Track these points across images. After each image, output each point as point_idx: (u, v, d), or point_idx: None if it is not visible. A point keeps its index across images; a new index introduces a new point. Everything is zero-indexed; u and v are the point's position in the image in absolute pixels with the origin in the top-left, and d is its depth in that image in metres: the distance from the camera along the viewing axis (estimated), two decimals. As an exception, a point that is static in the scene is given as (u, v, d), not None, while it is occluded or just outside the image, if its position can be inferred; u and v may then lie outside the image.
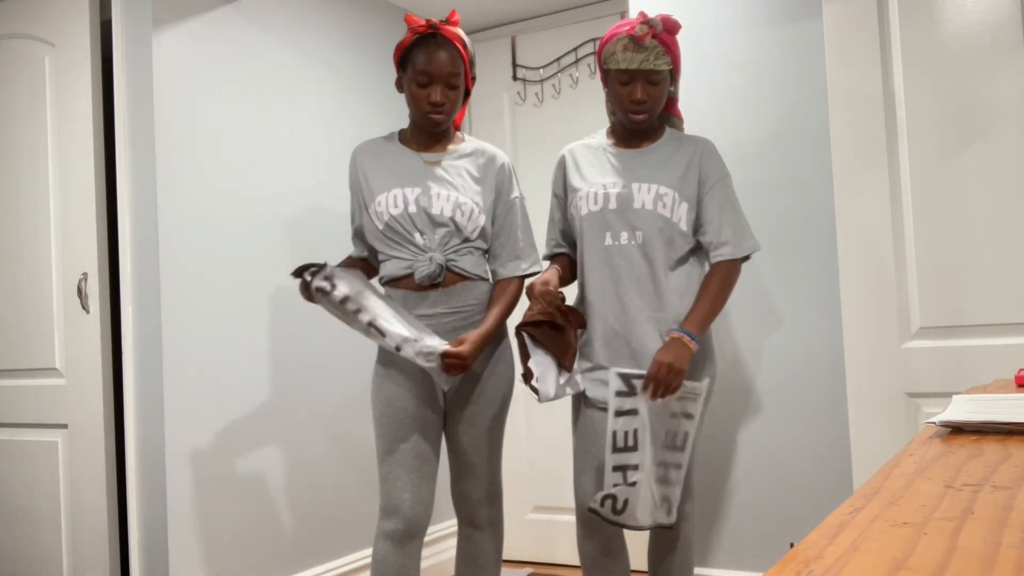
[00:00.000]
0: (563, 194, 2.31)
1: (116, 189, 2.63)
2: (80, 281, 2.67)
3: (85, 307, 2.67)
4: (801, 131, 2.77)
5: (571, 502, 3.51)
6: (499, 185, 2.23)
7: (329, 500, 3.01)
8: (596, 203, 2.18)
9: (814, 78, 2.75)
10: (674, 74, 2.20)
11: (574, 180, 2.25)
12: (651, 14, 3.00)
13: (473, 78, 2.24)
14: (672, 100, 2.29)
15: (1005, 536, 0.70)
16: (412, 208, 2.13)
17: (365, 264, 2.36)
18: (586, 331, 2.22)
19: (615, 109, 2.20)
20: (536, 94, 3.64)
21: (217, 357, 2.66)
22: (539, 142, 3.63)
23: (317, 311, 2.96)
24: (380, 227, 2.16)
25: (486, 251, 2.25)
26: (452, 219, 2.13)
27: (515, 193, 2.26)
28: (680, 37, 2.96)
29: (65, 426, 2.71)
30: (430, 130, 2.21)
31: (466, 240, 2.17)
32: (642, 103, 2.13)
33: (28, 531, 2.79)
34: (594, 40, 3.49)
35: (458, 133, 2.30)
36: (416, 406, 2.14)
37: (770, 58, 2.82)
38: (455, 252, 2.15)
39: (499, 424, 2.26)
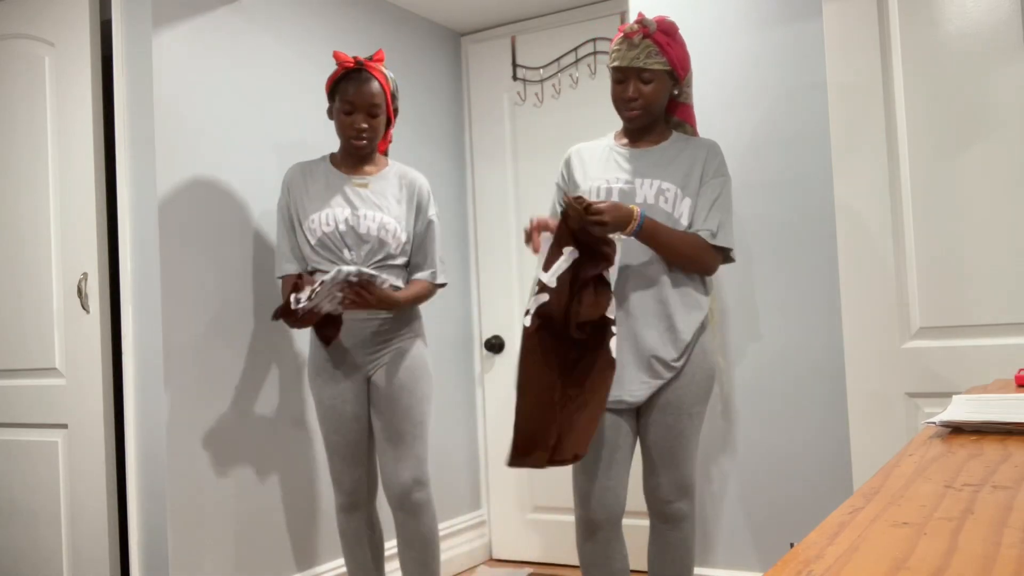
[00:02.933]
0: (566, 188, 2.34)
1: (116, 189, 2.63)
2: (80, 281, 2.67)
3: (85, 307, 2.67)
4: (801, 131, 2.77)
5: (571, 502, 3.51)
6: (419, 206, 2.52)
7: (329, 500, 3.01)
8: (598, 198, 2.19)
9: (814, 78, 2.75)
10: (677, 77, 2.21)
11: (578, 176, 2.28)
12: (651, 15, 3.01)
13: (395, 110, 2.52)
14: (684, 106, 2.30)
15: (1005, 536, 0.70)
16: (342, 227, 2.41)
17: (301, 279, 2.53)
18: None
19: (615, 108, 2.24)
20: (536, 94, 3.63)
21: (217, 357, 2.66)
22: (539, 142, 3.62)
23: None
24: (312, 242, 2.43)
25: (405, 265, 2.50)
26: (378, 237, 2.41)
27: (432, 212, 2.54)
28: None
29: (65, 426, 2.71)
30: (356, 154, 2.49)
31: (388, 256, 2.43)
32: (633, 100, 2.17)
33: (28, 531, 2.79)
34: (594, 40, 3.49)
35: (383, 157, 2.58)
36: (343, 404, 2.44)
37: (770, 58, 2.82)
38: (377, 267, 2.42)
39: (422, 417, 2.48)
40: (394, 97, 2.50)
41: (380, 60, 2.46)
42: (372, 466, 2.53)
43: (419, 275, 2.52)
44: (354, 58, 2.42)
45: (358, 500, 2.49)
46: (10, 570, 2.83)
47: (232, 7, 2.79)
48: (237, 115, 2.78)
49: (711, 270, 2.20)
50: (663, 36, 2.15)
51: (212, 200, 2.68)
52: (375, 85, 2.40)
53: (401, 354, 2.46)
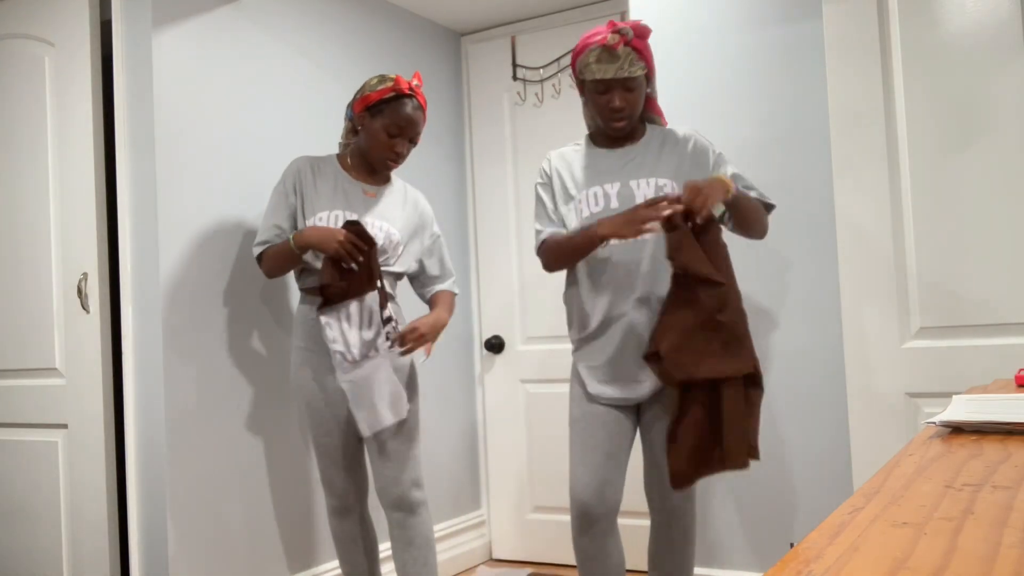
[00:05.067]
0: (550, 183, 2.28)
1: (116, 189, 2.63)
2: (80, 281, 2.67)
3: (85, 307, 2.67)
4: (801, 131, 2.77)
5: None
6: (421, 222, 2.58)
7: (329, 500, 3.02)
8: (597, 204, 2.18)
9: (814, 78, 2.75)
10: (649, 76, 2.21)
11: (568, 184, 2.25)
12: (651, 15, 3.01)
13: None
14: (651, 100, 2.30)
15: (1005, 536, 0.70)
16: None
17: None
18: (589, 328, 2.23)
19: (596, 118, 2.22)
20: (536, 94, 3.64)
21: (217, 357, 2.66)
22: (539, 142, 3.63)
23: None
24: None
25: (399, 275, 2.52)
26: (381, 246, 2.41)
27: (436, 228, 2.63)
28: (680, 37, 2.96)
29: (65, 426, 2.71)
30: (381, 171, 2.52)
31: (384, 262, 2.44)
32: (621, 110, 2.16)
33: (28, 531, 2.79)
34: (594, 40, 3.49)
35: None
36: (332, 406, 2.42)
37: (770, 58, 2.82)
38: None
39: (413, 417, 2.46)
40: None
41: (421, 84, 2.49)
42: (362, 468, 2.52)
43: (442, 286, 2.59)
44: (408, 84, 2.43)
45: (349, 503, 2.49)
46: (10, 570, 2.83)
47: (232, 7, 2.79)
48: (237, 115, 2.78)
49: (767, 231, 2.25)
50: (639, 41, 2.14)
51: (212, 200, 2.68)
52: (422, 115, 2.44)
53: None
